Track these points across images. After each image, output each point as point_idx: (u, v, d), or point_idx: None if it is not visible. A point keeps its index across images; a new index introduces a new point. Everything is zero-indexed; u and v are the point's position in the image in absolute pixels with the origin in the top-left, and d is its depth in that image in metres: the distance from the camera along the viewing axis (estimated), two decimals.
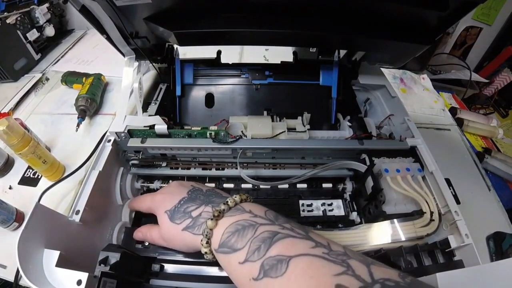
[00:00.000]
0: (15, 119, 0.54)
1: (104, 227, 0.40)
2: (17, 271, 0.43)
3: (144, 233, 0.35)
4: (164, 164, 0.47)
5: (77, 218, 0.34)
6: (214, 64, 0.55)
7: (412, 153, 0.45)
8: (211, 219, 0.27)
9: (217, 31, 0.39)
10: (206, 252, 0.28)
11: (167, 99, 0.53)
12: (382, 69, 0.59)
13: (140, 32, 0.43)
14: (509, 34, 0.98)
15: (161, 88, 0.56)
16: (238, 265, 0.24)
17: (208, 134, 0.43)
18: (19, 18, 0.81)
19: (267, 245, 0.24)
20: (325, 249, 0.23)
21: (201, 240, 0.28)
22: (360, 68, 0.56)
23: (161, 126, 0.43)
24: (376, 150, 0.44)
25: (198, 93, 0.55)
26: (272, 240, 0.24)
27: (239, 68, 0.55)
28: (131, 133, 0.44)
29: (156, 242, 0.34)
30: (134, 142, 0.43)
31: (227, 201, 0.29)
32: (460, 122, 0.80)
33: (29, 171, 0.59)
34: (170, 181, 0.49)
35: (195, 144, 0.43)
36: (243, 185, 0.49)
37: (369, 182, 0.42)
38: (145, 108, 0.50)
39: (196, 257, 0.34)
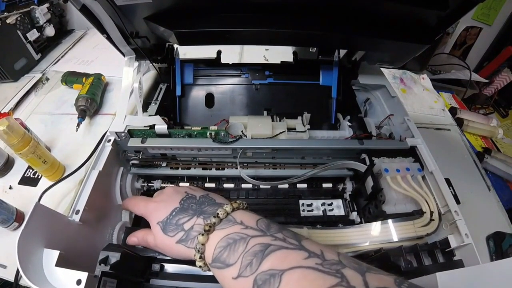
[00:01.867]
0: (15, 119, 0.54)
1: (104, 227, 0.40)
2: (17, 271, 0.43)
3: (140, 238, 0.34)
4: (164, 164, 0.47)
5: (77, 218, 0.34)
6: (214, 64, 0.55)
7: (412, 153, 0.45)
8: (202, 235, 0.27)
9: (217, 31, 0.39)
10: (201, 266, 0.28)
11: (167, 99, 0.53)
12: (382, 69, 0.59)
13: (141, 32, 0.43)
14: (509, 34, 0.98)
15: (161, 88, 0.56)
16: (231, 280, 0.24)
17: (208, 134, 0.43)
18: (19, 18, 0.81)
19: (259, 259, 0.24)
20: (318, 259, 0.23)
21: (194, 255, 0.27)
22: (360, 68, 0.56)
23: (161, 126, 0.43)
24: (376, 150, 0.44)
25: (198, 93, 0.55)
26: (264, 253, 0.24)
27: (239, 68, 0.55)
28: (131, 133, 0.44)
29: (153, 248, 0.34)
30: (134, 142, 0.43)
31: (218, 213, 0.28)
32: (460, 122, 0.80)
33: (29, 171, 0.59)
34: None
35: (195, 144, 0.43)
36: (243, 185, 0.49)
37: (369, 182, 0.42)
38: (145, 108, 0.50)
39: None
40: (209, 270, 0.28)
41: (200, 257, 0.27)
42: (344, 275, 0.21)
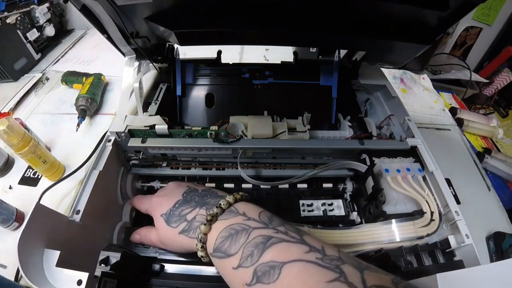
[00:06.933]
0: (15, 119, 0.54)
1: (104, 227, 0.40)
2: (17, 271, 0.43)
3: (142, 235, 0.35)
4: (164, 164, 0.47)
5: (77, 218, 0.34)
6: (215, 64, 0.55)
7: (412, 153, 0.45)
8: (204, 224, 0.27)
9: (218, 31, 0.38)
10: (202, 256, 0.28)
11: (168, 99, 0.53)
12: (382, 69, 0.59)
13: (141, 32, 0.43)
14: (509, 34, 0.98)
15: (161, 88, 0.56)
16: (231, 270, 0.24)
17: (208, 134, 0.43)
18: (19, 18, 0.81)
19: (260, 250, 0.24)
20: (319, 254, 0.23)
21: (196, 245, 0.28)
22: (360, 68, 0.56)
23: (161, 126, 0.43)
24: (376, 150, 0.44)
25: (198, 93, 0.54)
26: (265, 245, 0.24)
27: (239, 68, 0.55)
28: (131, 133, 0.44)
29: (155, 244, 0.34)
30: (135, 142, 0.43)
31: (220, 204, 0.28)
32: (460, 122, 0.80)
33: (29, 171, 0.59)
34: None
35: (195, 144, 0.43)
36: (244, 185, 0.49)
37: (370, 182, 0.42)
38: (145, 108, 0.50)
39: (196, 257, 0.34)
40: (210, 260, 0.28)
41: (202, 247, 0.27)
42: (343, 271, 0.21)
